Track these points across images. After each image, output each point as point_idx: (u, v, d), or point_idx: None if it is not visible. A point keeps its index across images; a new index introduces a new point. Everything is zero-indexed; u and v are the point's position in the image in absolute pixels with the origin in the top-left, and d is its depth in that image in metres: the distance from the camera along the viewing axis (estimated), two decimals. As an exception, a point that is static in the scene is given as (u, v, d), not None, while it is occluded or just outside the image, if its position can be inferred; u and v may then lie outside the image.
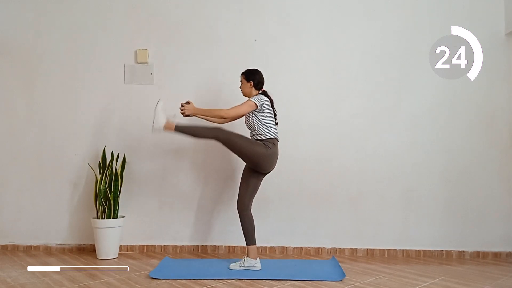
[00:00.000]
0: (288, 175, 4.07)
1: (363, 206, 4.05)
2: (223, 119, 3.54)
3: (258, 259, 3.43)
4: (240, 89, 3.57)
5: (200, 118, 3.58)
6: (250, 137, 3.48)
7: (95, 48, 4.20)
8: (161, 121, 3.38)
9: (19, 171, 4.19)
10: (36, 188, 4.18)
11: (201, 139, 3.60)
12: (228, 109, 3.42)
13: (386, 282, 3.22)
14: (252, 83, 3.49)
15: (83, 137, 4.17)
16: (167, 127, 3.40)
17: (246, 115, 3.46)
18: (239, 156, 3.46)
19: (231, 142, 3.37)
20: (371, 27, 4.11)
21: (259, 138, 3.42)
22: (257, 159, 3.39)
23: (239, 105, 3.42)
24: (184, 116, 3.48)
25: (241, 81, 3.55)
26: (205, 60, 4.17)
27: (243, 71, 3.56)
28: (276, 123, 3.52)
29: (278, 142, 3.47)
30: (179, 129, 3.40)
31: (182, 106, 3.46)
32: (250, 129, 3.49)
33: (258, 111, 3.40)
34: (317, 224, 4.06)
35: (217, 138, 3.39)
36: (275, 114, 3.52)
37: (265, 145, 3.38)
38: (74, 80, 4.20)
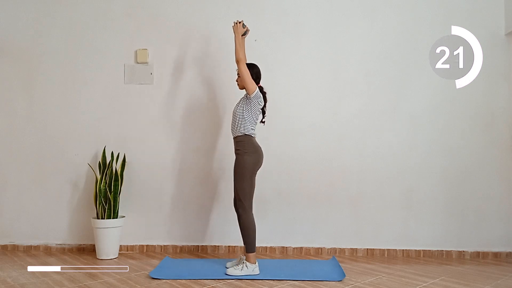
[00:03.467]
0: (288, 175, 4.07)
1: (363, 206, 4.05)
2: (236, 59, 3.41)
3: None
4: (237, 82, 3.54)
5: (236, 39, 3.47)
6: (236, 131, 3.44)
7: (95, 48, 4.20)
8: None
9: (19, 171, 4.19)
10: (36, 188, 4.18)
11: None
12: (244, 65, 3.37)
13: (386, 282, 3.22)
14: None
15: (83, 137, 4.17)
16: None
17: (239, 101, 3.48)
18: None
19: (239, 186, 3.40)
20: (371, 27, 4.11)
21: (237, 134, 3.41)
22: (254, 167, 3.41)
23: (250, 75, 3.39)
24: (233, 25, 3.49)
25: (238, 74, 3.51)
26: (205, 60, 4.17)
27: None
28: (263, 122, 3.55)
29: (255, 137, 3.47)
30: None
31: (239, 22, 3.46)
32: (233, 116, 3.48)
33: (248, 100, 3.40)
34: (317, 224, 4.06)
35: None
36: (264, 112, 3.53)
37: (245, 152, 3.38)
38: (74, 80, 4.20)
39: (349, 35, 4.12)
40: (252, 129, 3.44)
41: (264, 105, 3.52)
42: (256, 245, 3.47)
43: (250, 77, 3.39)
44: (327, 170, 4.07)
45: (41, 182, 4.18)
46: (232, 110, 3.54)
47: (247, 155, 3.38)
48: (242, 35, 3.49)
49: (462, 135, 4.02)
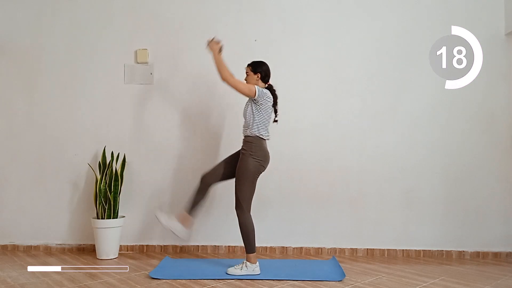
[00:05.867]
0: (288, 175, 4.07)
1: (363, 206, 4.05)
2: (222, 79, 3.31)
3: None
4: (246, 81, 3.46)
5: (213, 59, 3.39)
6: (245, 130, 3.39)
7: (95, 48, 4.20)
8: None
9: (19, 171, 4.19)
10: (36, 188, 4.18)
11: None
12: (232, 77, 3.29)
13: (386, 282, 3.22)
14: (259, 75, 3.42)
15: (83, 137, 4.17)
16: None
17: (246, 103, 3.42)
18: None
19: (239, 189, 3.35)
20: (371, 27, 4.11)
21: (247, 134, 3.36)
22: (257, 171, 3.35)
23: (242, 82, 3.34)
24: (206, 46, 3.41)
25: (247, 73, 3.45)
26: (205, 60, 4.15)
27: (249, 62, 3.48)
28: (276, 121, 3.47)
29: (266, 141, 3.40)
30: None
31: (211, 40, 3.38)
32: (244, 118, 3.43)
33: (255, 102, 3.33)
34: (317, 224, 4.06)
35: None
36: (276, 111, 3.46)
37: (251, 154, 3.30)
38: (74, 80, 4.20)
39: (349, 35, 4.12)
40: (263, 131, 3.36)
41: (275, 103, 3.44)
42: (256, 245, 3.46)
43: (244, 84, 3.32)
44: (327, 170, 4.07)
45: (41, 182, 4.18)
46: (242, 111, 3.47)
47: (252, 157, 3.31)
48: (218, 52, 3.38)
49: (462, 135, 4.02)
